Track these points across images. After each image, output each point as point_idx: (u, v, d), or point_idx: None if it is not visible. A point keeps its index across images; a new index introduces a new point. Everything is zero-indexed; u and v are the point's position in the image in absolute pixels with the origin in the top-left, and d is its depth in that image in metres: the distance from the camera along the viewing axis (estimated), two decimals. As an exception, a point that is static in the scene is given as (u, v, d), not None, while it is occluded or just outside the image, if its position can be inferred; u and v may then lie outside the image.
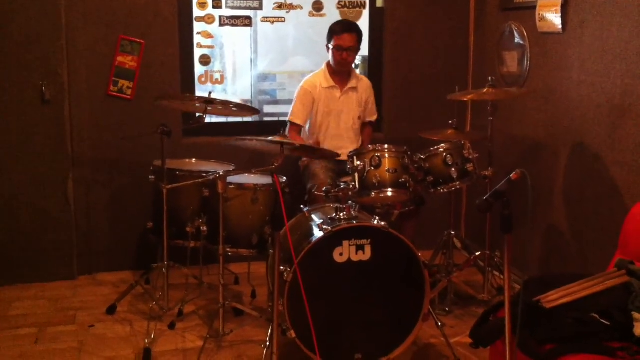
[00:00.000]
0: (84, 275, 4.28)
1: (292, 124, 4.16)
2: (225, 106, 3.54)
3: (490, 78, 3.68)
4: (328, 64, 4.18)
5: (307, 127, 4.25)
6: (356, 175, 3.27)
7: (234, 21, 4.48)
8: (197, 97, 3.72)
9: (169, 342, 3.38)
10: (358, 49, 4.11)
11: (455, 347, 3.25)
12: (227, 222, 3.37)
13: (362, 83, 4.27)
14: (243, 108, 3.81)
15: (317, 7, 4.62)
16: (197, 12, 4.41)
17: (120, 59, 4.17)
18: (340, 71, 4.15)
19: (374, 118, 4.38)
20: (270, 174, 2.84)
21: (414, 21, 4.65)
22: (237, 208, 3.48)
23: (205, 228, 3.53)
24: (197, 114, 3.41)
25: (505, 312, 2.31)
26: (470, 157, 3.49)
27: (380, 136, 4.59)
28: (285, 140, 2.95)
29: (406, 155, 3.34)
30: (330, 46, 4.07)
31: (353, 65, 4.28)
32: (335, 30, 4.06)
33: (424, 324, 3.11)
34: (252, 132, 4.15)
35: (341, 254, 2.94)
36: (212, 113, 3.55)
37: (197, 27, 4.44)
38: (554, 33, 3.75)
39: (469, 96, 3.82)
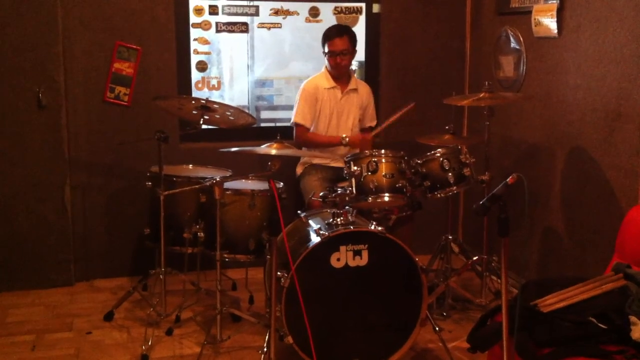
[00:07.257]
0: (81, 282, 4.27)
1: (299, 125, 4.12)
2: (222, 113, 3.53)
3: (486, 83, 3.70)
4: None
5: (310, 129, 4.25)
6: (353, 180, 3.26)
7: (230, 27, 4.49)
8: (194, 98, 3.70)
9: (167, 348, 3.38)
10: (352, 52, 4.11)
11: (453, 351, 3.25)
12: (224, 228, 3.37)
13: (362, 87, 4.29)
14: (239, 114, 3.77)
15: (314, 13, 4.63)
16: (193, 18, 4.41)
17: (116, 65, 4.17)
18: (338, 75, 4.16)
19: (373, 123, 4.37)
20: (267, 179, 2.83)
21: (410, 26, 4.66)
22: (234, 214, 3.48)
23: (202, 234, 3.53)
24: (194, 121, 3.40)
25: (503, 316, 2.31)
26: (467, 161, 3.49)
27: (378, 141, 4.58)
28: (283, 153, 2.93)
29: (403, 160, 3.33)
30: (325, 52, 4.08)
31: (352, 69, 4.29)
32: (326, 36, 4.08)
33: (422, 329, 3.11)
34: (249, 137, 4.15)
35: (338, 259, 2.95)
36: (209, 122, 3.56)
37: (194, 33, 4.44)
38: (550, 37, 3.76)
39: (465, 101, 3.82)
